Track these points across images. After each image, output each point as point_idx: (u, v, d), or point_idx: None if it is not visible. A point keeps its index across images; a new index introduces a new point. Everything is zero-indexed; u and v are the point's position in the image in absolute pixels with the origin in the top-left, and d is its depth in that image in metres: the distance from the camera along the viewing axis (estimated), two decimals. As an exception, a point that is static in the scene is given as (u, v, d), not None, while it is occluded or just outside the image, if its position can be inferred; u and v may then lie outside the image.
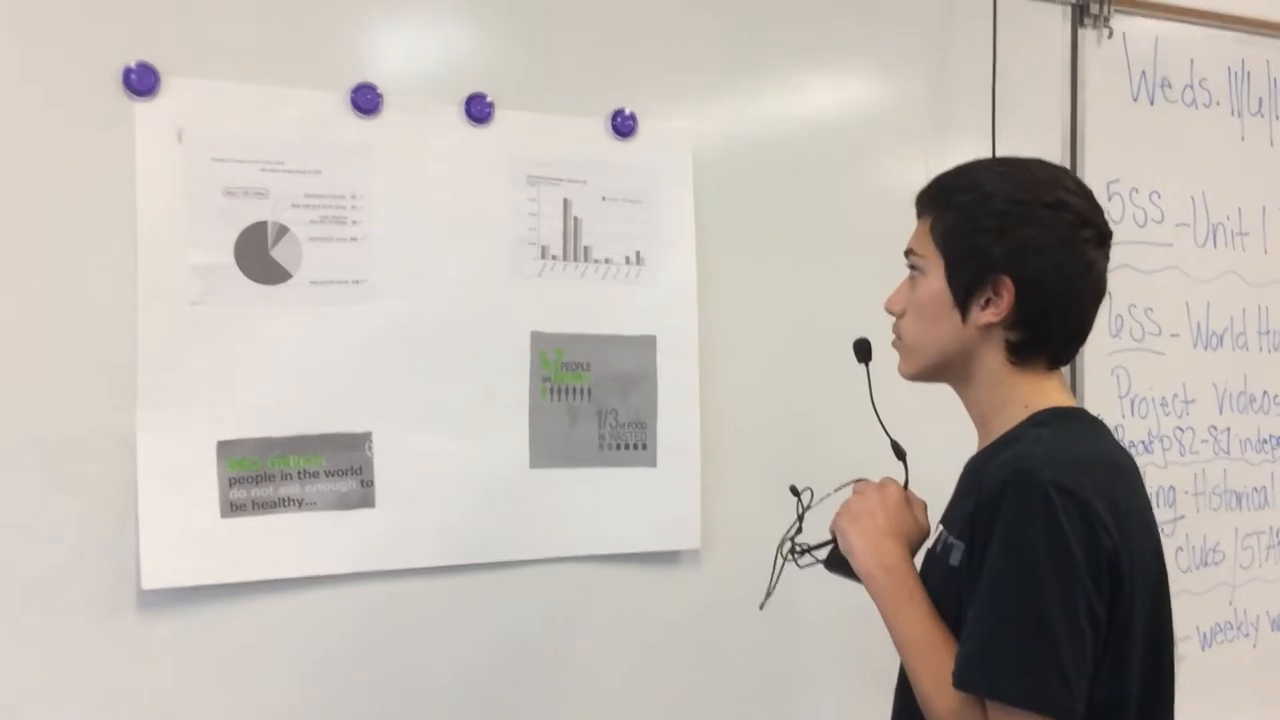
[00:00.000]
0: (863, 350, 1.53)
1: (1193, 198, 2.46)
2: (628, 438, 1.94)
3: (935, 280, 1.35)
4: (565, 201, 1.89)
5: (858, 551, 1.37)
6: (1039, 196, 1.31)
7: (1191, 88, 2.44)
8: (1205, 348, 2.49)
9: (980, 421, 1.39)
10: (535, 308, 1.88)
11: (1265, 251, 2.56)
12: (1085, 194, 1.35)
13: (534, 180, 1.87)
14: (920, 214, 1.40)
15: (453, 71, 1.83)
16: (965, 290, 1.33)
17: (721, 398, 1.94)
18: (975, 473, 1.34)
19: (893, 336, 1.44)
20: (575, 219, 1.90)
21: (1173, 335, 2.45)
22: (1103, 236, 1.34)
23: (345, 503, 1.75)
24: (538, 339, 1.88)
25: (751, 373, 2.05)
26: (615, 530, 1.94)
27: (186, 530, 1.65)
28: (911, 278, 1.40)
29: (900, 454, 1.51)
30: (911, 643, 1.30)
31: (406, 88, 1.79)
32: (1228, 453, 2.52)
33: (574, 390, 1.91)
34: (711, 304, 1.99)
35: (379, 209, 1.76)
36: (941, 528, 1.38)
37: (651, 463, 1.96)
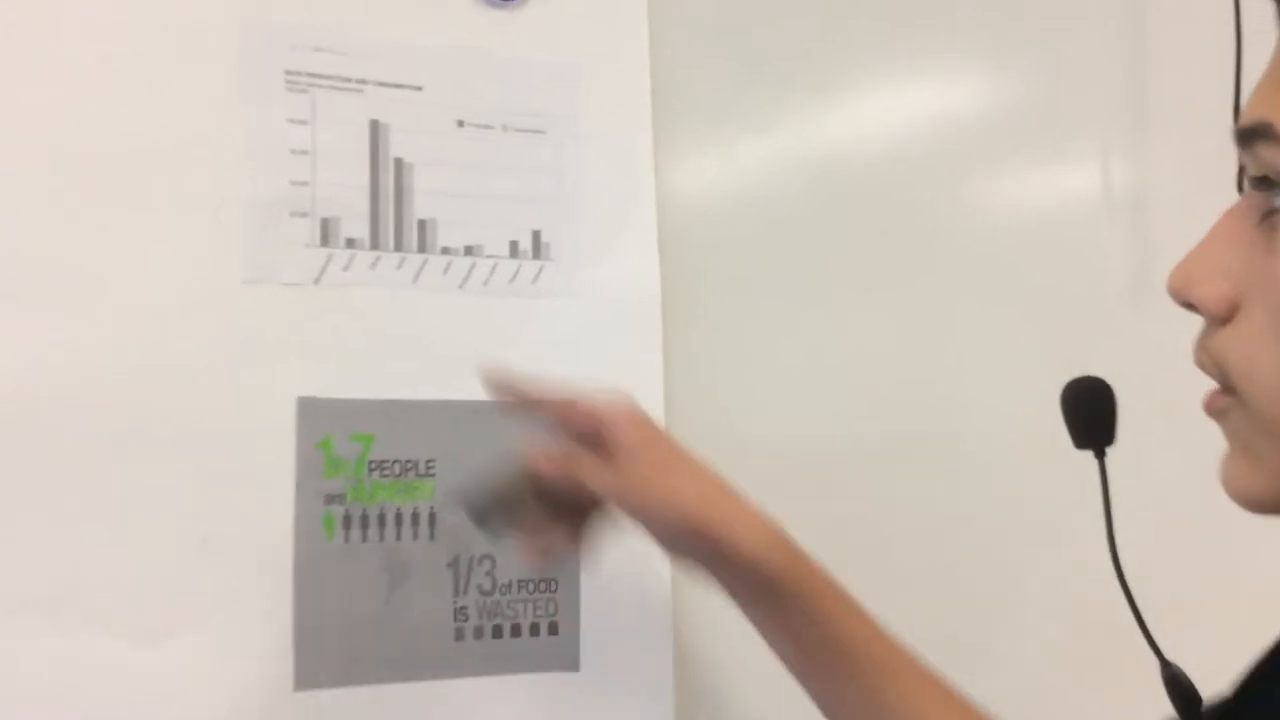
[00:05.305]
0: (1090, 417, 0.60)
1: None
2: (517, 612, 0.95)
3: None
4: (374, 127, 0.92)
5: None
6: None
7: None
8: None
9: None
10: (307, 348, 0.90)
11: None
12: None
13: (299, 82, 0.90)
14: None
15: None
16: None
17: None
18: None
19: (1209, 393, 0.50)
20: (398, 163, 0.93)
21: None
22: None
23: None
24: (311, 411, 0.89)
25: (767, 470, 1.03)
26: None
27: None
28: (1270, 220, 0.45)
29: (1190, 700, 0.60)
30: None
31: None
32: None
33: (396, 518, 0.92)
34: (688, 338, 1.00)
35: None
36: None
37: (570, 663, 0.97)
